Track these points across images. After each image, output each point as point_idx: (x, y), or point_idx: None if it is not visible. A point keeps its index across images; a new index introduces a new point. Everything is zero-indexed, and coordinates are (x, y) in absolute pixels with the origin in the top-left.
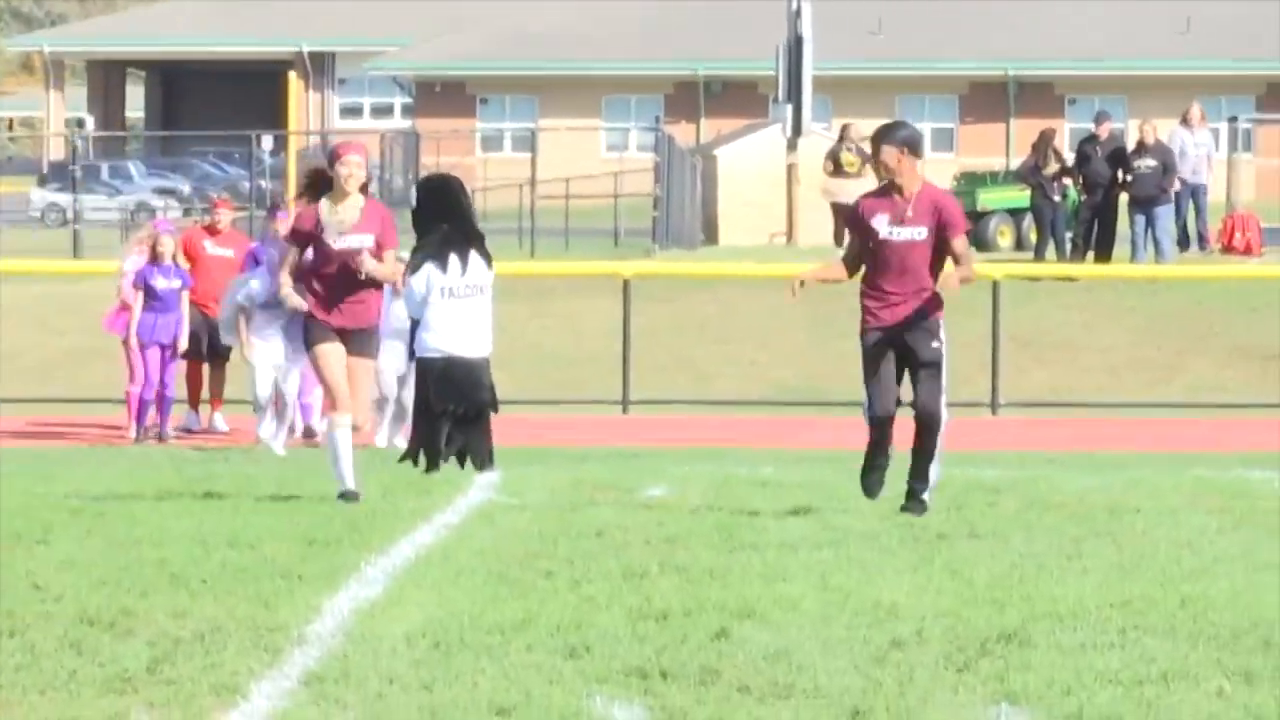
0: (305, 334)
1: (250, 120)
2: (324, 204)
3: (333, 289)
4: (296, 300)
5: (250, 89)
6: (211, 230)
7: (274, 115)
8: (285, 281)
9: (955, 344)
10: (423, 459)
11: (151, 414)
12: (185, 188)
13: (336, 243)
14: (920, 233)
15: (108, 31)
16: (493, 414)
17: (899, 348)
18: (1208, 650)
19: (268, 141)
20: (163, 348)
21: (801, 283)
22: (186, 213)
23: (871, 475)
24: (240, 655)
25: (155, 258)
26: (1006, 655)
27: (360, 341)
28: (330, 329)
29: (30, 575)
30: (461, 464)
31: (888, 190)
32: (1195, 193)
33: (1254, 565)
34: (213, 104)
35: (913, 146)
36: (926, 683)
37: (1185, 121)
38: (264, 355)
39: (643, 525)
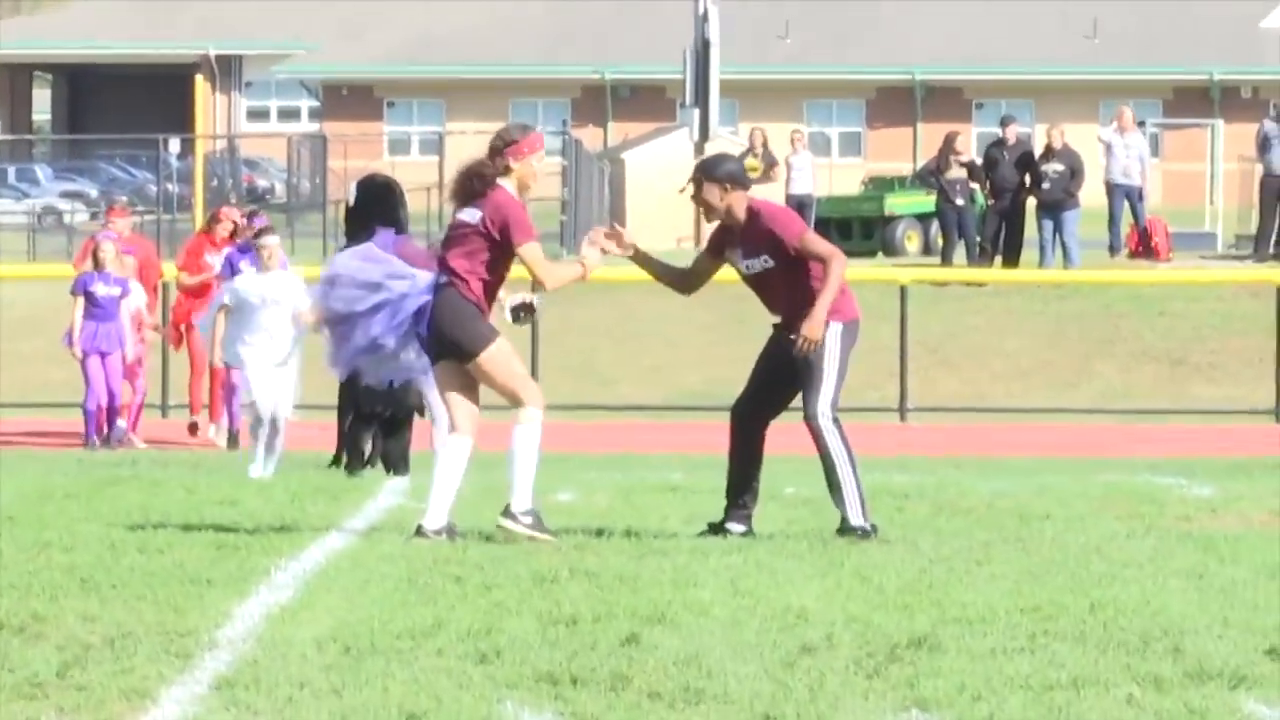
0: (485, 327)
1: (157, 123)
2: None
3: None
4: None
5: (157, 92)
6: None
7: (181, 118)
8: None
9: (863, 349)
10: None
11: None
12: (93, 191)
13: None
14: (767, 261)
15: (13, 34)
16: (418, 418)
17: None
18: (1117, 656)
19: (175, 145)
20: (104, 355)
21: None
22: (94, 216)
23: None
24: (150, 660)
25: (97, 265)
26: (916, 661)
27: None
28: None
29: None
30: (387, 468)
31: (727, 226)
32: (1129, 195)
33: (1163, 571)
34: (120, 107)
35: (734, 180)
36: (837, 688)
37: (1115, 124)
38: (256, 362)
39: (552, 530)
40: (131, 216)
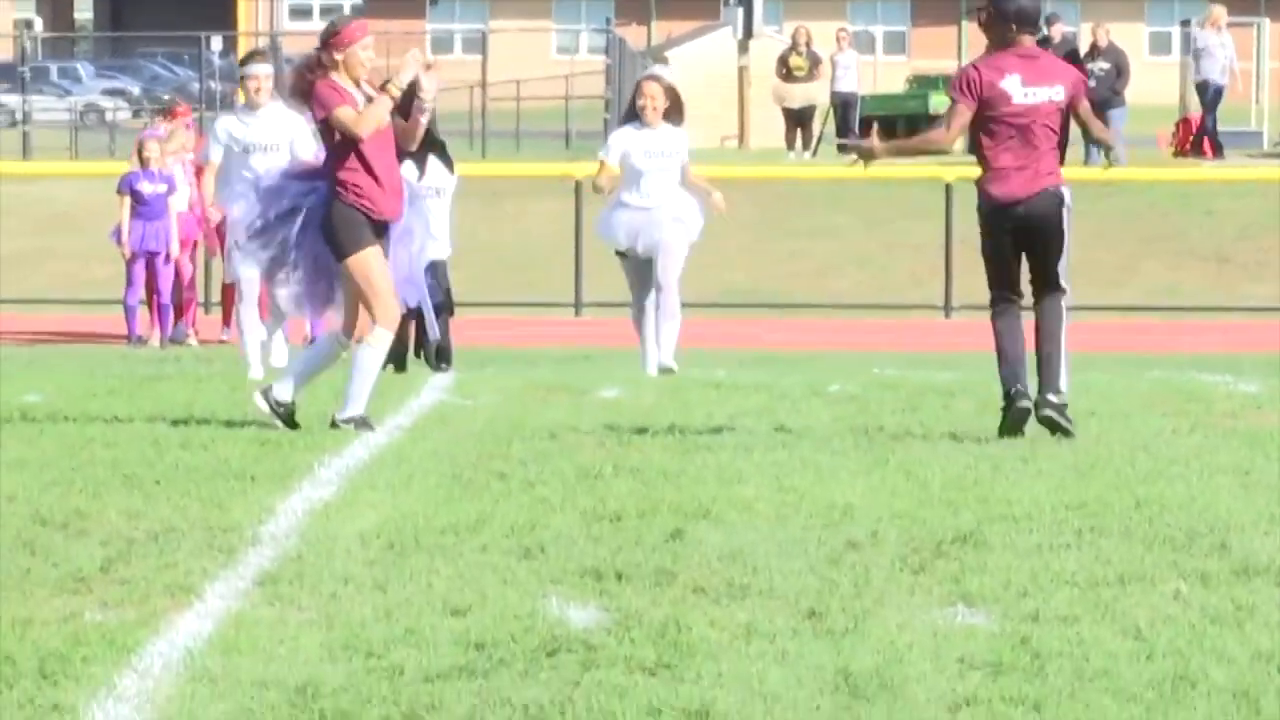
0: (350, 234)
1: (199, 21)
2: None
3: (387, 174)
4: None
5: None
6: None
7: (223, 16)
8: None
9: (908, 246)
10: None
11: (145, 321)
12: (135, 89)
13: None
14: (1057, 93)
15: None
16: (449, 316)
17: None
18: (1163, 552)
19: (217, 43)
20: (152, 255)
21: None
22: (136, 114)
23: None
24: (194, 556)
25: (142, 163)
26: (962, 557)
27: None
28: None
29: None
30: (429, 362)
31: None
32: (1219, 94)
33: (1209, 468)
34: (162, 5)
35: (1021, 20)
36: (882, 584)
37: (1208, 24)
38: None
39: (596, 427)
40: (191, 114)
